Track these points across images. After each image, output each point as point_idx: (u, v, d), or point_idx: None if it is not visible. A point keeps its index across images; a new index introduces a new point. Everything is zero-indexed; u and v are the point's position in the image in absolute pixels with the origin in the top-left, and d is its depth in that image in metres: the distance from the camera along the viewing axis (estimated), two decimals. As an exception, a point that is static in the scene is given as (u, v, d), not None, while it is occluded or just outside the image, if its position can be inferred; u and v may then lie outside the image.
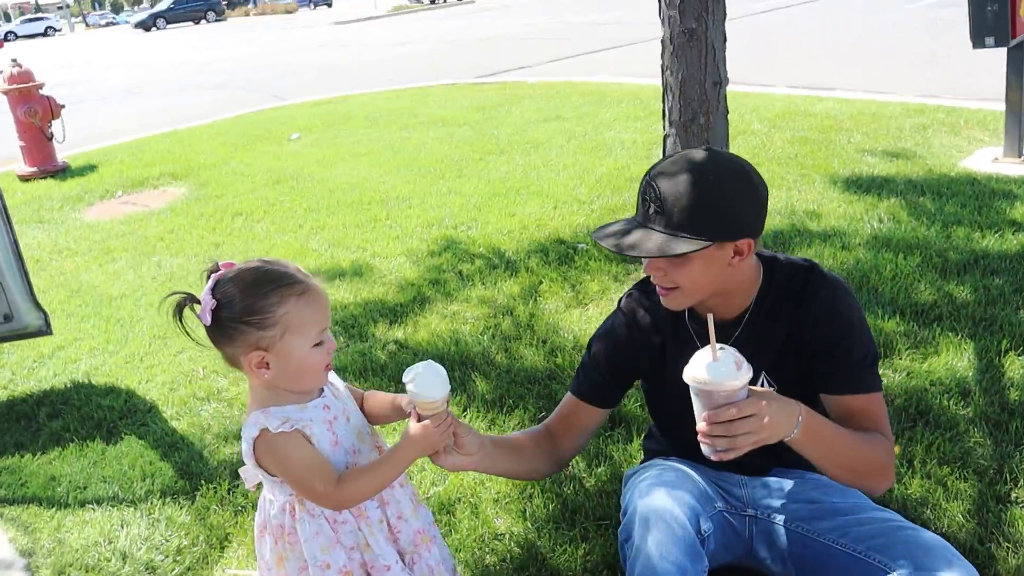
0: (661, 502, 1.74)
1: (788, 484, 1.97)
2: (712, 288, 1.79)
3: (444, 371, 1.64)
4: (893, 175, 5.23)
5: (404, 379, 1.64)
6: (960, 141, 6.09)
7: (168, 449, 2.95)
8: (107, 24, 72.87)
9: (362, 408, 1.80)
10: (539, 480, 2.50)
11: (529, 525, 2.42)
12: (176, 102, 11.36)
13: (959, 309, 3.36)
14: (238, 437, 2.98)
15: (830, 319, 1.80)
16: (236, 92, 11.78)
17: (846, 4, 14.18)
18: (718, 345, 1.56)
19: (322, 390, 1.69)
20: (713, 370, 1.53)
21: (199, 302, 1.57)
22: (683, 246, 1.66)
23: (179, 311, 1.59)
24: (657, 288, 1.83)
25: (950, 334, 3.19)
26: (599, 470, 2.63)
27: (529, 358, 3.36)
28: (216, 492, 2.68)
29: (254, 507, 2.59)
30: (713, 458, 1.59)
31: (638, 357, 1.99)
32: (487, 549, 2.35)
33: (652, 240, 1.68)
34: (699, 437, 1.58)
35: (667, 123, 3.62)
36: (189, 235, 5.34)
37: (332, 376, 1.74)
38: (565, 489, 2.56)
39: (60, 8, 78.50)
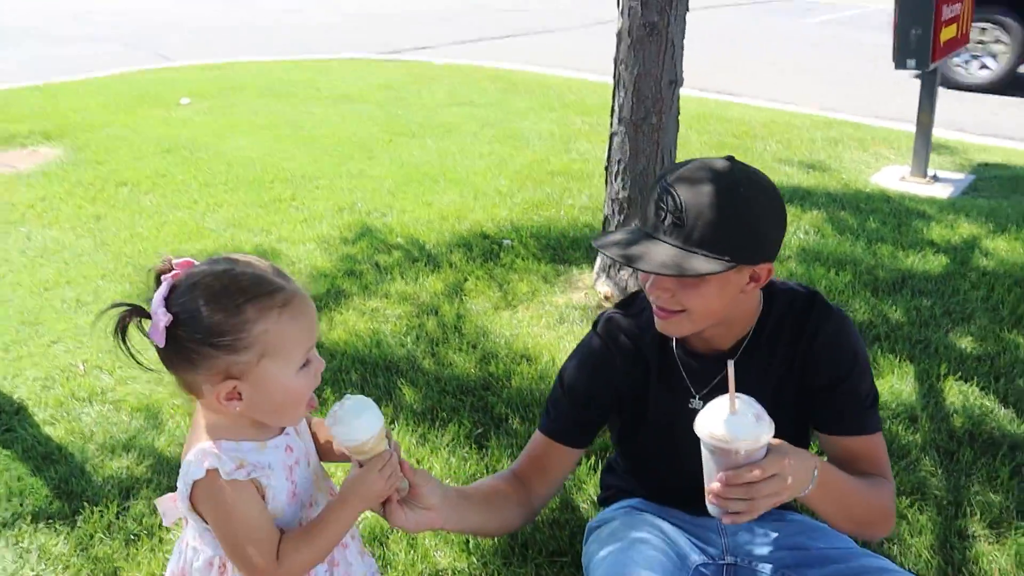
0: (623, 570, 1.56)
1: (770, 527, 1.81)
2: (720, 316, 1.59)
3: (371, 404, 1.36)
4: (812, 187, 5.25)
5: (326, 422, 1.36)
6: (868, 157, 6.22)
7: (41, 462, 2.50)
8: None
9: (315, 442, 1.50)
10: (507, 535, 2.23)
11: (475, 560, 2.16)
12: (47, 52, 10.33)
13: (895, 330, 3.33)
14: (127, 448, 2.58)
15: (836, 354, 1.65)
16: (116, 47, 10.84)
17: (739, 14, 14.50)
18: (737, 395, 1.38)
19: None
20: (734, 426, 1.34)
21: (148, 315, 1.23)
22: (703, 265, 1.45)
23: (121, 329, 1.25)
24: (655, 310, 1.60)
25: (890, 355, 3.14)
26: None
27: (460, 364, 3.09)
28: (102, 516, 2.28)
29: (149, 535, 2.23)
30: (724, 521, 1.40)
31: (618, 388, 1.76)
32: (427, 589, 2.08)
33: (666, 254, 1.47)
34: (710, 498, 1.40)
35: (615, 120, 3.42)
36: (65, 204, 4.75)
37: None
38: (511, 518, 2.31)
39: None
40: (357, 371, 3.02)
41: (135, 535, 2.22)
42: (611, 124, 3.46)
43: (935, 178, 5.74)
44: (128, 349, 1.24)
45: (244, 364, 1.23)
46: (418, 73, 9.13)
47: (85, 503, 2.32)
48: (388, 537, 2.24)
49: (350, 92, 7.89)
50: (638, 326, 1.73)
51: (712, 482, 1.38)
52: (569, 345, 3.24)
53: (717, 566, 1.78)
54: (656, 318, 1.61)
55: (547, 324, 3.41)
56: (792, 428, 1.71)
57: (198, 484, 1.26)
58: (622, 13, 3.22)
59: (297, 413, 1.35)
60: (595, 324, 1.80)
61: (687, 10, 3.27)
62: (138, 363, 1.26)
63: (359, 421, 1.33)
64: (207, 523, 1.31)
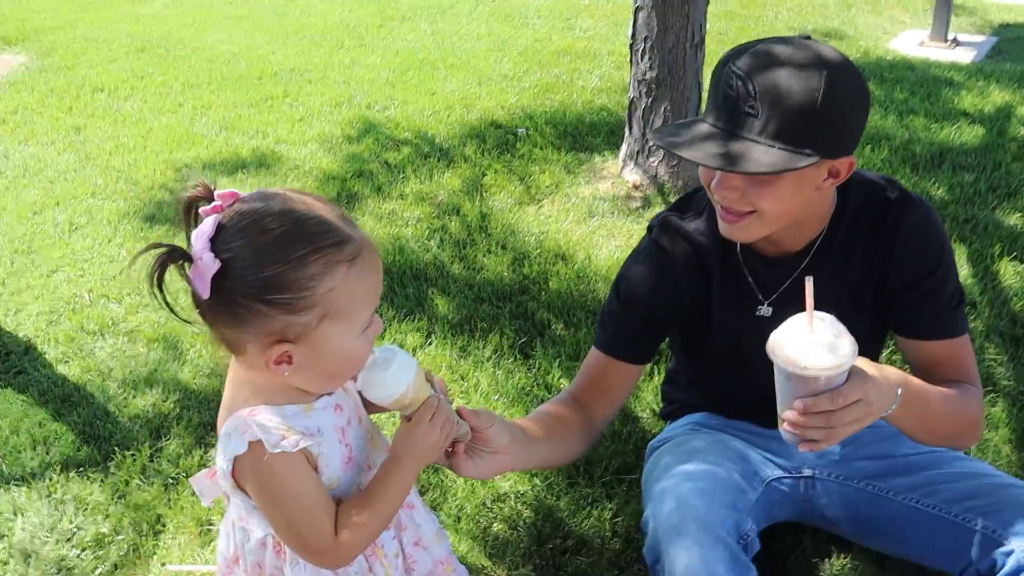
0: (692, 511, 1.41)
1: (851, 436, 1.67)
2: (793, 217, 1.41)
3: (398, 351, 1.18)
4: (835, 53, 4.94)
5: (357, 386, 1.20)
6: (883, 22, 5.88)
7: (60, 405, 2.33)
8: None
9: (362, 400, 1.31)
10: (572, 463, 2.07)
11: (538, 483, 2.04)
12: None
13: (940, 209, 3.14)
14: (150, 383, 2.41)
15: (919, 249, 1.48)
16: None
17: None
18: (815, 313, 1.21)
19: None
20: (813, 350, 1.19)
21: (190, 259, 1.02)
22: (780, 160, 1.27)
23: (158, 274, 1.03)
24: (720, 213, 1.42)
25: (943, 234, 2.96)
26: (603, 408, 2.26)
27: (491, 268, 2.90)
28: (135, 460, 2.13)
29: (187, 477, 2.08)
30: (801, 449, 1.27)
31: (679, 297, 1.59)
32: (492, 516, 1.97)
33: (737, 150, 1.28)
34: (784, 425, 1.26)
35: (640, -8, 3.11)
36: (39, 116, 4.41)
37: None
38: (569, 435, 2.18)
39: None
40: (384, 282, 2.81)
41: (173, 479, 2.08)
42: (636, -3, 3.14)
43: (956, 42, 5.44)
44: (165, 299, 1.04)
45: (302, 326, 1.04)
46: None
47: (115, 447, 2.16)
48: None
49: (329, -26, 7.36)
50: (698, 229, 1.56)
51: (787, 409, 1.24)
52: (602, 240, 3.05)
53: (794, 480, 1.67)
54: (721, 222, 1.43)
55: (576, 219, 3.21)
56: (869, 335, 1.57)
57: (240, 459, 1.09)
58: None
59: (346, 379, 1.18)
60: (650, 228, 1.62)
61: None
62: (178, 316, 1.06)
63: (388, 374, 1.16)
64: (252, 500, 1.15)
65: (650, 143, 3.30)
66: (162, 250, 1.02)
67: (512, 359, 2.47)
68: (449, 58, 5.04)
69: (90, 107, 4.50)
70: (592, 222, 3.19)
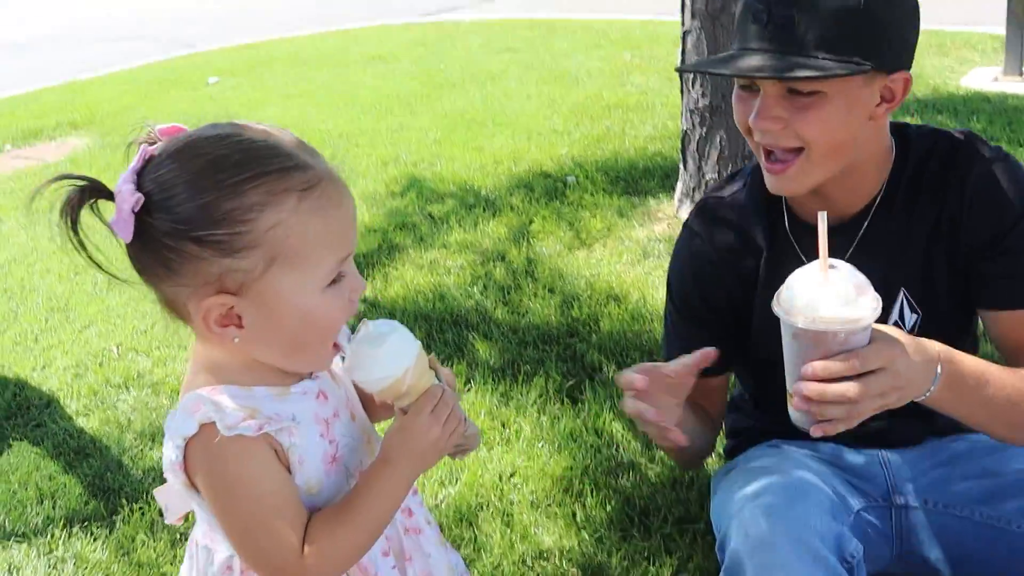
0: (782, 519, 1.14)
1: (945, 453, 1.39)
2: (847, 154, 1.21)
3: (398, 326, 0.97)
4: (902, 92, 4.70)
5: (344, 366, 0.99)
6: (951, 62, 5.62)
7: (74, 457, 2.18)
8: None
9: (361, 398, 1.10)
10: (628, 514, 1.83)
11: (586, 537, 1.77)
12: (74, 55, 10.14)
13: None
14: (170, 434, 2.24)
15: (994, 199, 1.24)
16: (140, 44, 10.62)
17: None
18: (829, 260, 1.01)
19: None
20: (822, 299, 0.98)
21: (110, 196, 0.86)
22: (830, 67, 1.10)
23: (71, 212, 0.86)
24: (765, 164, 1.22)
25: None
26: (660, 453, 2.00)
27: (537, 312, 2.69)
28: (143, 515, 1.95)
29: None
30: (813, 433, 1.04)
31: (728, 287, 1.38)
32: (533, 574, 1.70)
33: (785, 64, 1.12)
34: (793, 401, 1.04)
35: (687, 16, 2.95)
36: (93, 188, 4.45)
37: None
38: (623, 482, 1.92)
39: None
40: (421, 328, 2.63)
41: (183, 534, 1.88)
42: (682, 21, 2.99)
43: (1031, 75, 5.14)
44: (80, 241, 0.86)
45: (244, 273, 0.85)
46: (449, 30, 8.69)
47: (124, 500, 1.99)
48: (478, 515, 1.86)
49: (382, 53, 7.49)
50: (740, 204, 1.37)
51: (796, 380, 1.02)
52: (659, 280, 2.82)
53: (883, 509, 1.37)
54: (767, 176, 1.24)
55: (630, 260, 2.99)
56: (952, 313, 1.32)
57: (191, 446, 0.88)
58: None
59: (325, 352, 0.95)
60: (688, 219, 1.43)
61: None
62: (101, 269, 0.89)
63: (381, 351, 0.94)
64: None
65: (707, 177, 3.09)
66: (74, 183, 0.84)
67: (559, 404, 2.23)
68: (498, 117, 4.96)
69: (143, 178, 4.53)
70: (647, 263, 2.96)
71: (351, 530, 0.92)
